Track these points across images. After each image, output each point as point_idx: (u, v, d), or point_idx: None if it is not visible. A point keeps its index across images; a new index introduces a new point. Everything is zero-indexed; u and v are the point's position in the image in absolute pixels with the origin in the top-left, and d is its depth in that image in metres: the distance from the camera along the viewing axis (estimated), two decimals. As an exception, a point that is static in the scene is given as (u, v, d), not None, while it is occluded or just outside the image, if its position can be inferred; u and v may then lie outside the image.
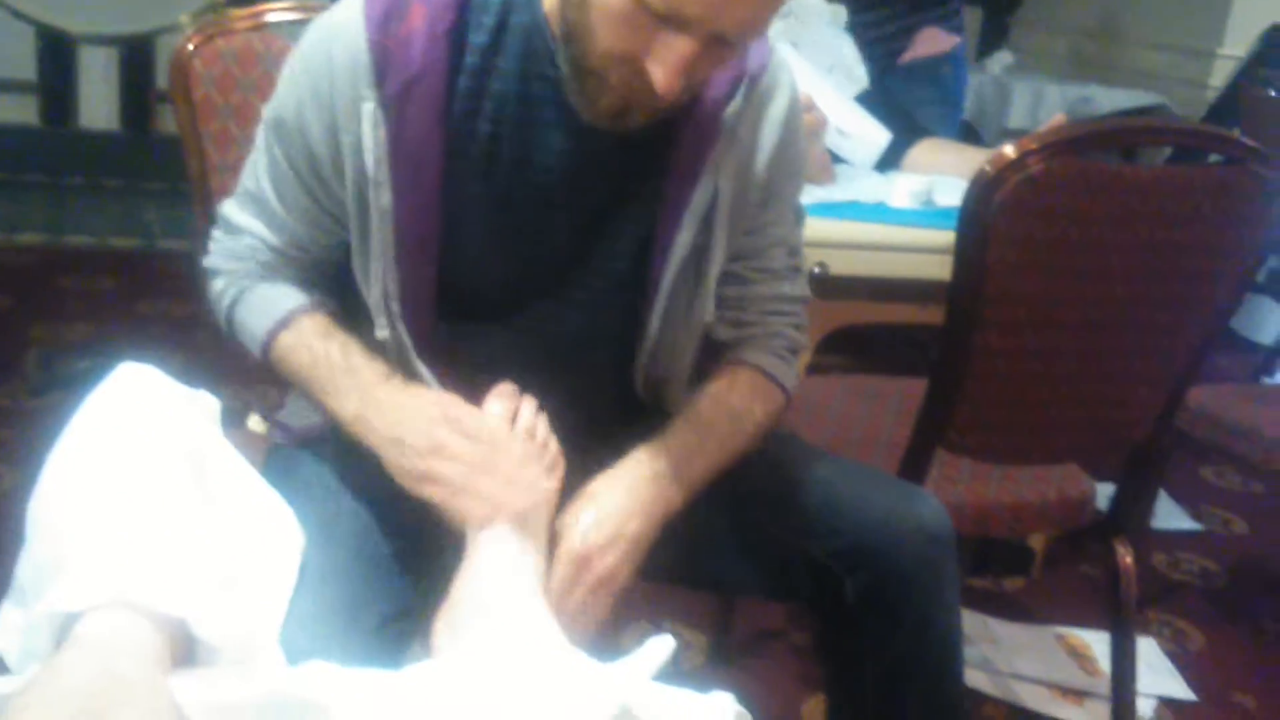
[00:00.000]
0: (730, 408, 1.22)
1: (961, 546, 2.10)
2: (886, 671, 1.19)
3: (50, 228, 4.14)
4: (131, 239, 4.14)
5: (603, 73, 1.03)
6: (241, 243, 1.23)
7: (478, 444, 1.08)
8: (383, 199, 1.10)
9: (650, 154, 1.15)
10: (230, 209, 1.24)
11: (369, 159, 1.09)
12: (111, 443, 0.99)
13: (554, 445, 1.13)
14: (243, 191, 1.23)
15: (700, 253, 1.18)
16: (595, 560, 1.08)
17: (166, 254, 4.00)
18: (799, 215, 1.30)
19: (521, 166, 1.14)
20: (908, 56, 3.09)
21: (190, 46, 1.48)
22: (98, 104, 4.67)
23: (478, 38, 1.10)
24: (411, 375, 1.17)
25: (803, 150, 1.26)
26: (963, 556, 2.14)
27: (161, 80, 4.57)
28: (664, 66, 0.99)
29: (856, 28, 3.02)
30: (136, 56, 4.61)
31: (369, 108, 1.08)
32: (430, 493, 1.08)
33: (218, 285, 1.25)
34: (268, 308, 1.21)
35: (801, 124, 1.25)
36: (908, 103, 2.85)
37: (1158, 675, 2.20)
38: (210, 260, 1.26)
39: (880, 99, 2.76)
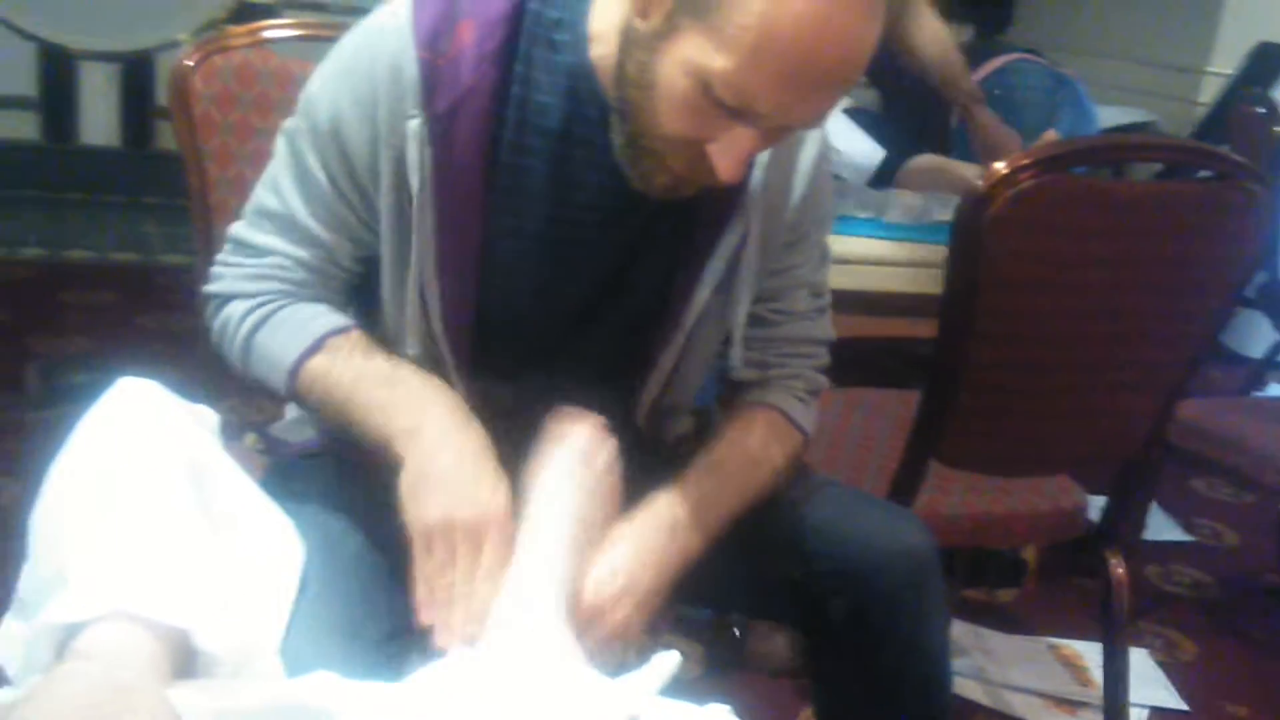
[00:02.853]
0: (749, 453, 1.21)
1: (956, 558, 2.11)
2: (873, 692, 1.20)
3: (51, 243, 4.14)
4: (131, 254, 4.14)
5: (663, 154, 1.03)
6: (264, 262, 1.16)
7: (473, 584, 1.02)
8: (426, 218, 1.09)
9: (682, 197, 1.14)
10: (244, 231, 1.18)
11: (413, 178, 1.08)
12: (112, 456, 0.99)
13: (616, 487, 1.12)
14: (260, 211, 1.17)
15: (723, 294, 1.18)
16: (608, 612, 1.06)
17: (166, 268, 4.01)
18: (825, 257, 1.29)
19: (556, 203, 1.13)
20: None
21: (189, 63, 1.48)
22: (98, 120, 4.67)
23: (522, 68, 1.09)
24: None
25: (830, 195, 1.26)
26: (957, 568, 2.16)
27: (161, 97, 4.58)
28: (728, 157, 0.99)
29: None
30: (136, 73, 4.62)
31: (415, 125, 1.06)
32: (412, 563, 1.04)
33: (235, 310, 1.16)
34: (297, 329, 1.14)
35: (830, 168, 1.24)
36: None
37: (1150, 686, 2.21)
38: (221, 285, 1.18)
39: (874, 116, 2.77)
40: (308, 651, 0.99)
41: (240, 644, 0.94)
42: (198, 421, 1.09)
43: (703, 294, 1.17)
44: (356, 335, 1.15)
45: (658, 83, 0.99)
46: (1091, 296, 1.44)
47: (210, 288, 1.20)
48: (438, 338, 1.14)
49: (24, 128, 4.62)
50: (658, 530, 1.11)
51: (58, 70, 4.56)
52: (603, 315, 1.20)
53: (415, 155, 1.07)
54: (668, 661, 0.96)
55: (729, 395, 1.28)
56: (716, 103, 0.96)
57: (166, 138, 4.60)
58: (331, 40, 1.13)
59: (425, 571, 1.03)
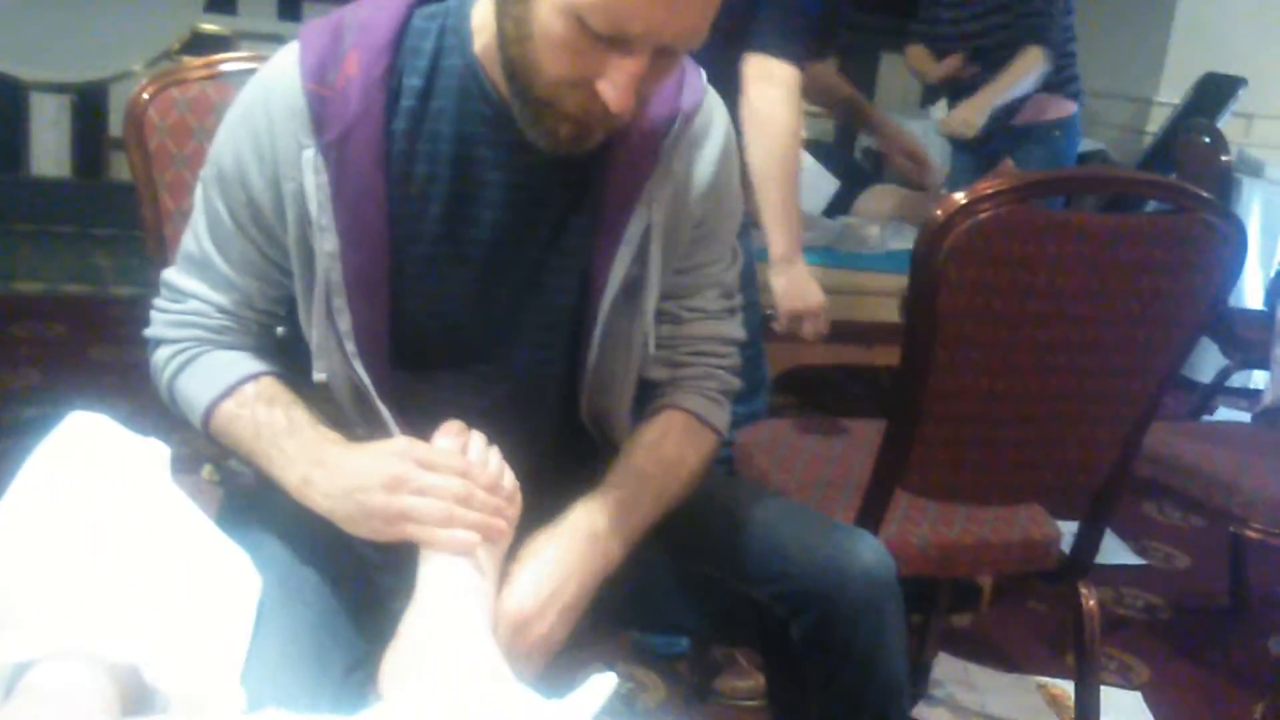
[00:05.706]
0: (664, 458, 1.23)
1: (935, 587, 2.09)
2: (833, 711, 1.20)
3: (0, 274, 4.09)
4: (82, 285, 4.10)
5: (556, 102, 1.05)
6: (186, 308, 1.21)
7: (449, 477, 1.08)
8: (327, 243, 1.11)
9: (587, 187, 1.17)
10: (173, 275, 1.23)
11: (312, 205, 1.10)
12: (61, 491, 0.98)
13: (510, 476, 1.13)
14: (184, 256, 1.22)
15: (635, 284, 1.20)
16: (533, 623, 1.08)
17: (117, 300, 3.97)
18: (735, 256, 1.31)
19: (463, 204, 1.15)
20: (1023, 119, 3.15)
21: (145, 96, 1.48)
22: (49, 151, 4.63)
23: (411, 80, 1.12)
24: (373, 420, 1.18)
25: (737, 192, 1.29)
26: (941, 597, 2.15)
27: (114, 127, 4.55)
28: (616, 87, 1.02)
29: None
30: (89, 104, 4.59)
31: (309, 155, 1.09)
32: (408, 531, 1.07)
33: (161, 355, 1.22)
34: (211, 377, 1.19)
35: (736, 166, 1.27)
36: (1019, 163, 2.91)
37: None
38: (153, 330, 1.24)
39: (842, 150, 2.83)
40: (272, 684, 0.99)
41: (194, 680, 0.92)
42: (149, 455, 1.08)
43: (614, 284, 1.19)
44: (266, 383, 1.19)
45: (534, 32, 1.02)
46: (1053, 328, 1.45)
47: (146, 331, 1.25)
48: (352, 361, 1.15)
49: (-27, 159, 4.57)
50: (579, 540, 1.13)
51: (9, 101, 4.52)
52: (520, 320, 1.22)
53: (311, 183, 1.10)
54: (604, 683, 0.96)
55: (643, 399, 1.30)
56: (593, 36, 0.99)
57: (118, 168, 4.57)
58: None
59: (415, 515, 1.06)
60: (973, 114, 3.06)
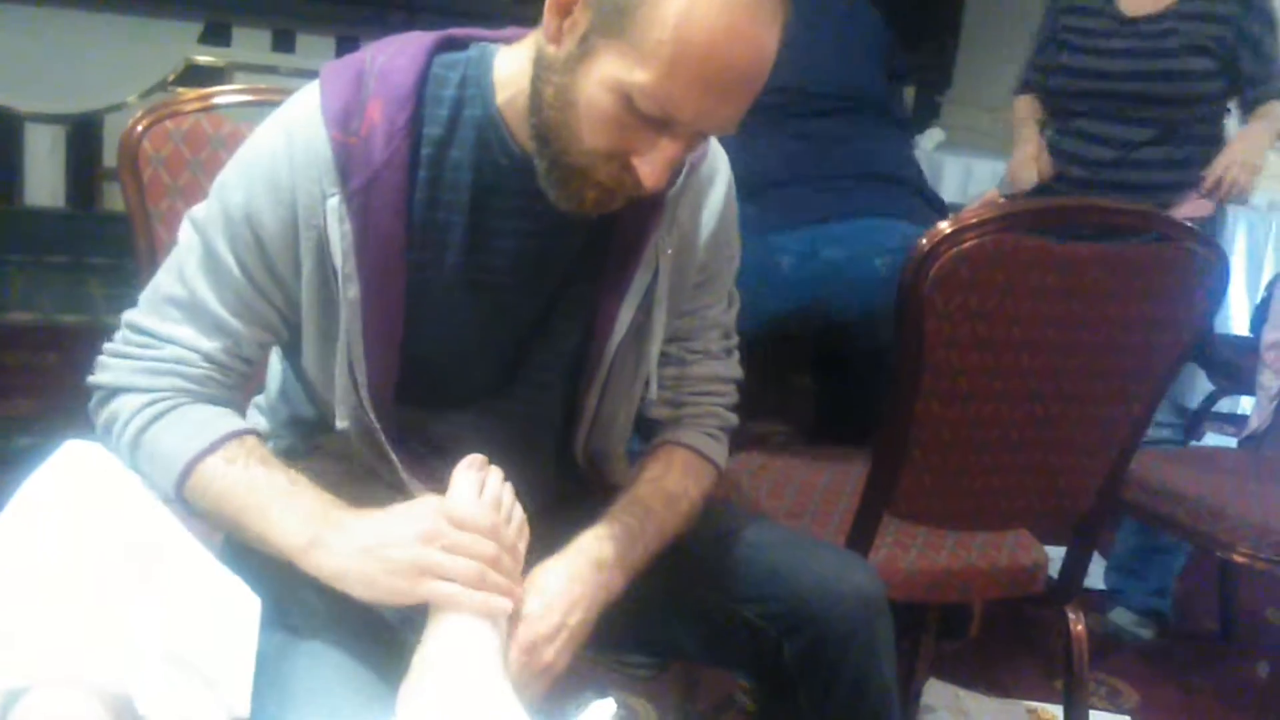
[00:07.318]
0: (667, 491, 1.25)
1: (924, 612, 2.10)
2: None
3: (-7, 304, 4.10)
4: (76, 315, 4.11)
5: (588, 170, 1.06)
6: (164, 354, 1.14)
7: (480, 538, 1.06)
8: (350, 291, 1.11)
9: (597, 235, 1.18)
10: (143, 318, 1.16)
11: (336, 253, 1.10)
12: (56, 520, 0.99)
13: (519, 515, 1.13)
14: (163, 299, 1.15)
15: (640, 331, 1.22)
16: (540, 649, 1.09)
17: (111, 330, 3.94)
18: (732, 299, 1.34)
19: (477, 250, 1.16)
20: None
21: (140, 128, 1.49)
22: (43, 181, 4.64)
23: (432, 130, 1.13)
24: (380, 460, 1.18)
25: (738, 235, 1.31)
26: (931, 622, 2.16)
27: (108, 158, 4.56)
28: (652, 165, 1.03)
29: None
30: (83, 135, 4.61)
31: (334, 203, 1.09)
32: (434, 589, 1.04)
33: (128, 403, 1.14)
34: (194, 431, 1.12)
35: (736, 211, 1.29)
36: None
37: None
38: (110, 376, 1.15)
39: None
40: (345, 711, 1.00)
41: (188, 708, 0.93)
42: (143, 483, 1.08)
43: (619, 331, 1.21)
44: (253, 442, 1.14)
45: (579, 101, 1.03)
46: (1038, 355, 1.46)
47: (97, 378, 1.17)
48: (366, 407, 1.15)
49: (-33, 190, 4.58)
50: (585, 568, 1.14)
51: (3, 132, 4.53)
52: (525, 361, 1.23)
53: (336, 231, 1.09)
54: (604, 710, 0.97)
55: (645, 435, 1.32)
56: (639, 115, 1.01)
57: (111, 199, 4.58)
58: (281, 106, 1.15)
59: (445, 571, 1.04)
60: (1257, 158, 2.58)
